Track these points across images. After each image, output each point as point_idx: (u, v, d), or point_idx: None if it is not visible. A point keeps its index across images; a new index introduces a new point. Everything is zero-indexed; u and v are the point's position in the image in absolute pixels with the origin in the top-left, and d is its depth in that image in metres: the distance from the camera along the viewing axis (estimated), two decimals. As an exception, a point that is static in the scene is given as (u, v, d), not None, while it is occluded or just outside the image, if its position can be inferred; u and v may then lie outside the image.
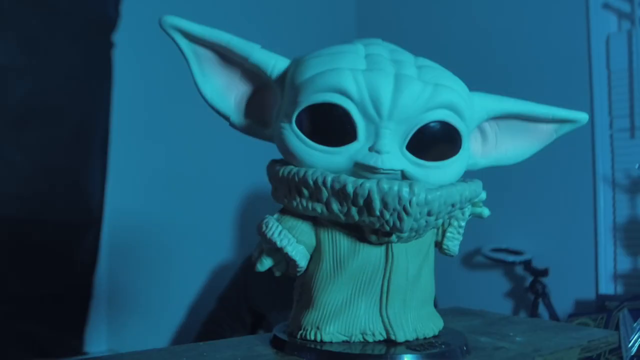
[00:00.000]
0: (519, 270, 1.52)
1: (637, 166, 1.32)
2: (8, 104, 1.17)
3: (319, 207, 0.39)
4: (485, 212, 0.47)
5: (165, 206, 1.39)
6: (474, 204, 0.46)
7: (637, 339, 1.13)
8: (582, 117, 0.47)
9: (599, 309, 1.31)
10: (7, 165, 1.17)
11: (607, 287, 1.43)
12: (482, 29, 1.64)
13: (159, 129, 1.38)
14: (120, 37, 1.30)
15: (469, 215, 0.46)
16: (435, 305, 0.46)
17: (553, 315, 1.40)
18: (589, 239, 1.46)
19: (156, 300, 1.38)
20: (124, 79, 1.31)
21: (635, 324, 1.15)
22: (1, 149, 1.16)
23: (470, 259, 1.61)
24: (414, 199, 0.37)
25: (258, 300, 1.31)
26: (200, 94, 0.43)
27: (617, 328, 1.19)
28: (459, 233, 0.45)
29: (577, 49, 1.49)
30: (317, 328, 0.40)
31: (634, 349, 1.13)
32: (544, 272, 1.44)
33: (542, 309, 1.42)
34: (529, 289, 1.45)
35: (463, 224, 0.45)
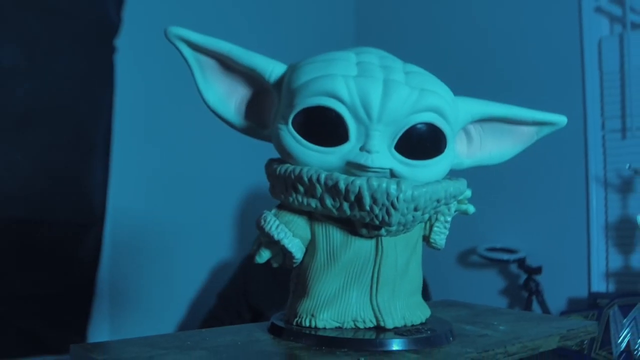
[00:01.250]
0: (513, 268, 1.55)
1: (627, 166, 1.35)
2: (11, 106, 1.20)
3: (313, 203, 0.42)
4: (471, 208, 0.50)
5: (166, 206, 1.42)
6: (459, 201, 0.49)
7: (627, 334, 1.16)
8: (561, 119, 0.50)
9: (590, 306, 1.34)
10: (10, 166, 1.20)
11: (599, 285, 1.46)
12: (478, 32, 1.67)
13: (160, 130, 1.41)
14: (122, 42, 1.33)
15: (455, 212, 0.49)
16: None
17: (546, 312, 1.43)
18: (582, 238, 1.49)
19: (157, 297, 1.40)
20: (125, 83, 1.34)
21: (625, 320, 1.18)
22: (5, 150, 1.19)
23: (466, 258, 1.64)
24: (401, 195, 0.40)
25: (257, 298, 1.34)
26: (203, 100, 0.46)
27: (607, 324, 1.22)
28: (445, 227, 0.48)
29: (570, 52, 1.52)
30: (312, 315, 0.43)
31: (623, 345, 1.16)
32: (538, 270, 1.47)
33: (535, 306, 1.45)
34: (523, 286, 1.48)
35: (449, 219, 0.48)
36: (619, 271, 1.45)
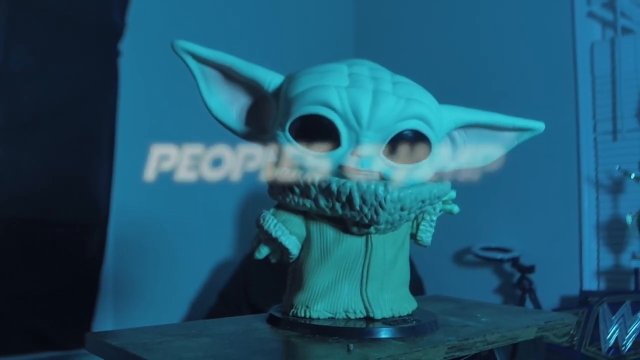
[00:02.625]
0: (507, 267, 1.59)
1: (617, 168, 1.39)
2: (19, 109, 1.24)
3: (308, 203, 0.46)
4: (455, 209, 0.54)
5: (169, 206, 1.45)
6: (444, 202, 0.53)
7: (615, 331, 1.20)
8: (539, 126, 0.53)
9: (582, 304, 1.38)
10: (18, 167, 1.23)
11: (591, 284, 1.50)
12: (473, 37, 1.71)
13: (162, 132, 1.45)
14: (126, 46, 1.37)
15: (440, 211, 0.52)
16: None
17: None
18: (574, 237, 1.52)
19: (160, 295, 1.44)
20: (129, 85, 1.38)
21: (614, 317, 1.22)
22: (13, 152, 1.23)
23: (461, 257, 1.68)
24: (388, 196, 0.44)
25: (257, 296, 1.37)
26: (207, 107, 0.50)
27: (597, 321, 1.25)
28: (431, 226, 0.52)
29: (563, 56, 1.56)
30: (307, 306, 0.47)
31: (612, 341, 1.19)
32: (531, 269, 1.50)
33: (528, 304, 1.49)
34: (517, 285, 1.52)
35: (434, 218, 0.52)
36: (609, 270, 1.48)
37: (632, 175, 1.34)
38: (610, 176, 1.49)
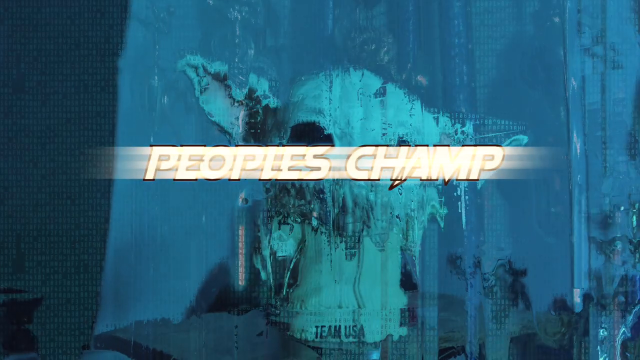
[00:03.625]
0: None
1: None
2: (24, 122, 1.25)
3: (303, 205, 0.49)
4: (444, 212, 0.57)
5: (169, 206, 1.46)
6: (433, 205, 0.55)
7: (605, 331, 1.22)
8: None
9: (573, 306, 1.39)
10: (22, 174, 1.25)
11: (583, 285, 1.51)
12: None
13: (162, 132, 1.46)
14: (125, 62, 1.39)
15: (430, 214, 0.55)
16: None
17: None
18: (565, 240, 1.53)
19: (160, 295, 1.45)
20: (129, 86, 1.39)
21: (604, 318, 1.24)
22: (16, 160, 1.24)
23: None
24: (379, 200, 0.47)
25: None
26: (207, 113, 0.53)
27: (587, 322, 1.27)
28: (420, 229, 0.54)
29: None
30: (302, 301, 0.50)
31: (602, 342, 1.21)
32: (523, 272, 1.52)
33: (521, 306, 1.50)
34: (509, 287, 1.53)
35: (424, 220, 0.54)
36: (600, 272, 1.50)
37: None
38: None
